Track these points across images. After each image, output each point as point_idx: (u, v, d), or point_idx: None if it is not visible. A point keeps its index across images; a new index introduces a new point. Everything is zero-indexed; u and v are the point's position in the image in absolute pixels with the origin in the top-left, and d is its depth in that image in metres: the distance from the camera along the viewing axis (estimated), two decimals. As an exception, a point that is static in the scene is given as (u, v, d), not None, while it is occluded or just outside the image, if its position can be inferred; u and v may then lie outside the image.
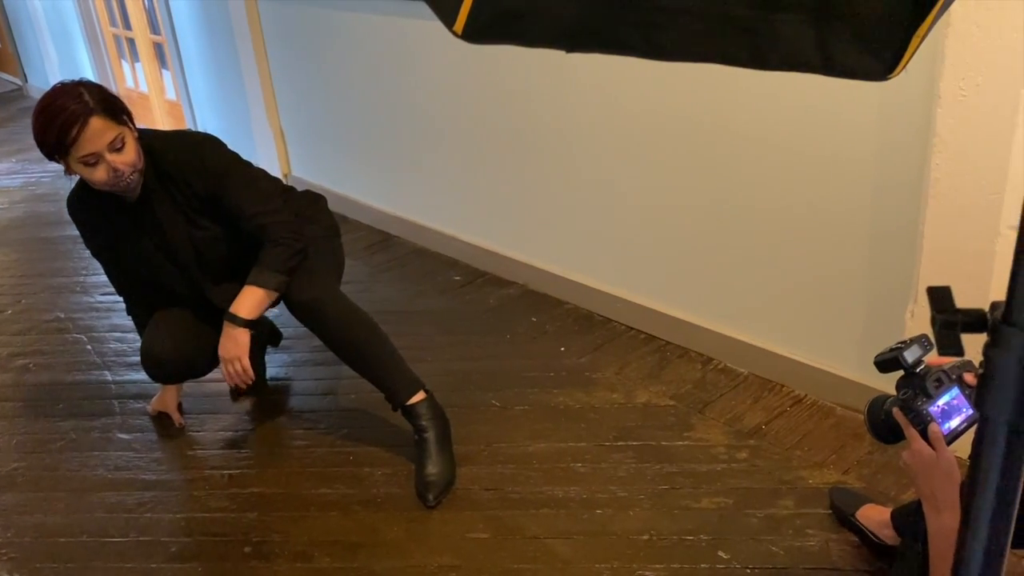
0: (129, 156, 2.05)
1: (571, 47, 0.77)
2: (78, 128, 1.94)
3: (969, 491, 0.63)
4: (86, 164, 2.00)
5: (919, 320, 2.04)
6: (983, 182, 1.84)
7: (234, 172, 2.17)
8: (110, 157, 2.00)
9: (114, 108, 2.02)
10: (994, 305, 0.60)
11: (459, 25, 0.76)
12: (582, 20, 0.75)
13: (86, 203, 2.21)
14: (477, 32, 0.77)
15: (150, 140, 2.13)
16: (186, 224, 2.19)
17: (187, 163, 2.14)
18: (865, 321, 2.23)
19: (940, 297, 0.61)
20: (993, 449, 0.60)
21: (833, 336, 2.32)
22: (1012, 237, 1.97)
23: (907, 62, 0.76)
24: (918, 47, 0.76)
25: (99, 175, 2.02)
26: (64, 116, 1.94)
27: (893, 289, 2.13)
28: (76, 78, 2.09)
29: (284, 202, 2.26)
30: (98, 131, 1.97)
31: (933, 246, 1.98)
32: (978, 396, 0.60)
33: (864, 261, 2.19)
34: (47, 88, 2.05)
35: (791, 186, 2.27)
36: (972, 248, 1.91)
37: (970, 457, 0.63)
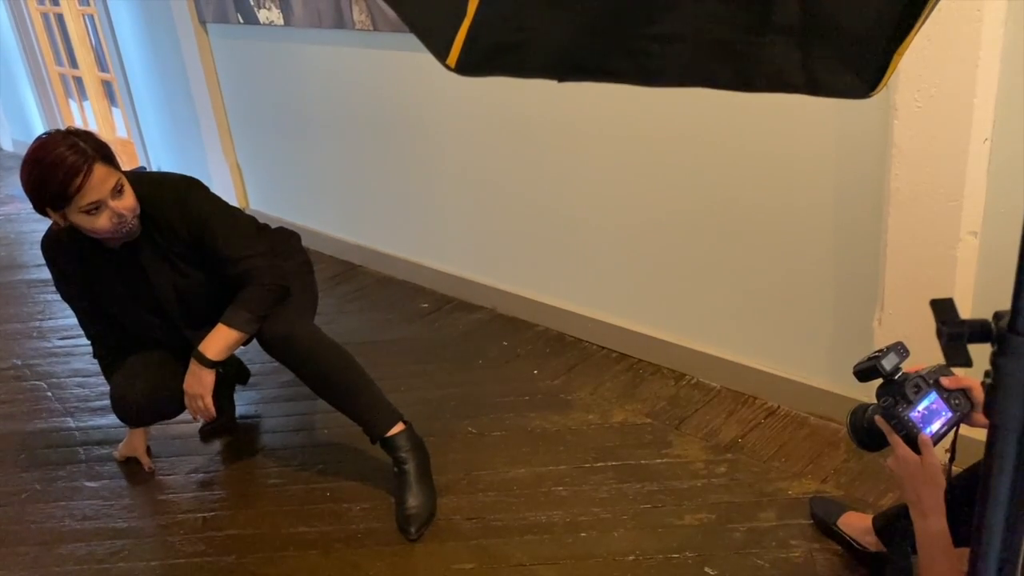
0: (129, 200, 2.01)
1: (563, 77, 0.78)
2: (82, 177, 1.89)
3: (981, 499, 0.63)
4: (88, 213, 1.95)
5: (887, 328, 2.07)
6: (942, 190, 1.89)
7: (218, 216, 2.15)
8: (113, 203, 1.96)
9: (109, 153, 1.98)
10: (998, 315, 0.61)
11: (452, 58, 0.76)
12: (574, 50, 0.75)
13: (64, 247, 2.15)
14: (470, 65, 0.77)
15: (133, 184, 2.09)
16: (170, 271, 2.16)
17: (171, 208, 2.10)
18: (833, 331, 2.27)
19: (944, 309, 0.62)
20: (1004, 457, 0.61)
21: (803, 347, 2.35)
22: (972, 243, 2.02)
23: (888, 79, 0.78)
24: (898, 64, 0.78)
25: (101, 223, 1.98)
26: (66, 167, 1.88)
27: (859, 298, 2.17)
28: (60, 127, 2.04)
29: (265, 243, 2.25)
30: (101, 178, 1.93)
31: (896, 254, 2.02)
32: (987, 405, 0.61)
33: (830, 272, 2.22)
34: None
35: (755, 201, 2.30)
36: (934, 255, 1.95)
37: (982, 464, 0.64)
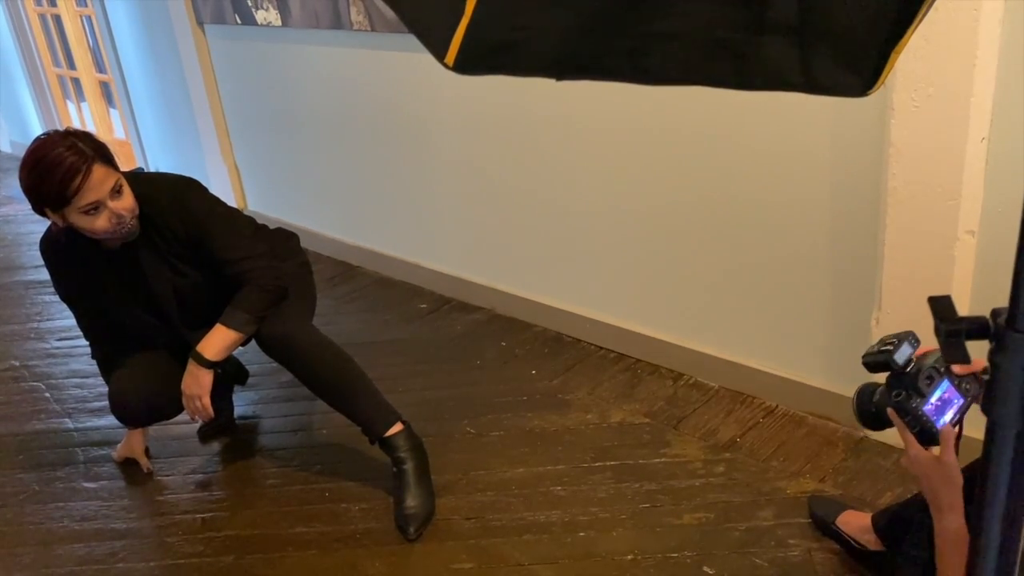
0: (128, 201, 2.01)
1: (561, 75, 0.78)
2: (81, 178, 1.89)
3: (979, 498, 0.63)
4: (87, 213, 1.95)
5: (884, 327, 2.07)
6: (939, 189, 1.89)
7: (217, 217, 2.15)
8: (112, 204, 1.96)
9: (107, 154, 1.98)
10: (996, 311, 0.61)
11: (450, 57, 0.76)
12: (571, 49, 0.76)
13: (62, 247, 2.15)
14: (468, 64, 0.77)
15: (132, 184, 2.09)
16: (170, 272, 2.16)
17: (169, 208, 2.10)
18: (831, 330, 2.27)
19: (942, 306, 0.62)
20: (1002, 455, 0.61)
21: (801, 346, 2.35)
22: (970, 242, 2.01)
23: (885, 77, 0.78)
24: (895, 63, 0.78)
25: (100, 223, 1.97)
26: (64, 167, 1.88)
27: (857, 297, 2.17)
28: (60, 128, 2.03)
29: (264, 244, 2.25)
30: (100, 179, 1.93)
31: (894, 254, 2.02)
32: (985, 402, 0.61)
33: (827, 271, 2.23)
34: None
35: (752, 200, 2.30)
36: (931, 254, 1.95)
37: (980, 462, 0.64)
